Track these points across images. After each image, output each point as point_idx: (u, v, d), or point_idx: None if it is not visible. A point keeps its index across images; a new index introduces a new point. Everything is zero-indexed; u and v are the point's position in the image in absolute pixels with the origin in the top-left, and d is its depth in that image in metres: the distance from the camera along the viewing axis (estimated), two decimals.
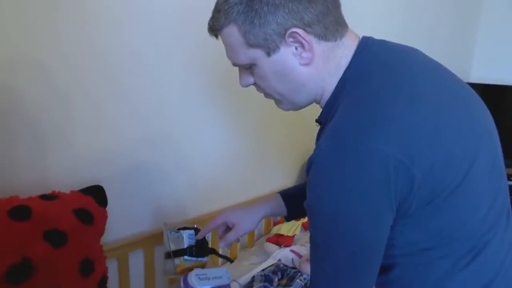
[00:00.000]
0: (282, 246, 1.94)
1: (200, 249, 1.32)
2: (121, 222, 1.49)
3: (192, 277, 1.20)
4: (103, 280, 1.28)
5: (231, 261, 1.45)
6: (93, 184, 1.33)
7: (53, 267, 1.11)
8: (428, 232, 0.83)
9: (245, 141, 1.89)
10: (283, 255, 1.83)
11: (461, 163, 0.79)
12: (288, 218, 1.26)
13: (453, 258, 0.84)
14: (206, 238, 1.35)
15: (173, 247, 1.30)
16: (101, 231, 1.31)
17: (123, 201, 1.49)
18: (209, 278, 1.23)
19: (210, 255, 1.37)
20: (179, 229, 1.35)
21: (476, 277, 0.85)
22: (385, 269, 0.90)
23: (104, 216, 1.31)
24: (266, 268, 1.71)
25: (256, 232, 2.08)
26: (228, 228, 1.24)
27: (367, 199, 0.75)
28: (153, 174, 1.57)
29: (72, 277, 1.16)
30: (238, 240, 1.26)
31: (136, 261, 1.57)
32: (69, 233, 1.16)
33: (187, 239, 1.32)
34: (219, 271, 1.27)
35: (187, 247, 1.30)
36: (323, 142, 0.78)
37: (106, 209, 1.32)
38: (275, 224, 2.13)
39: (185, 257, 1.29)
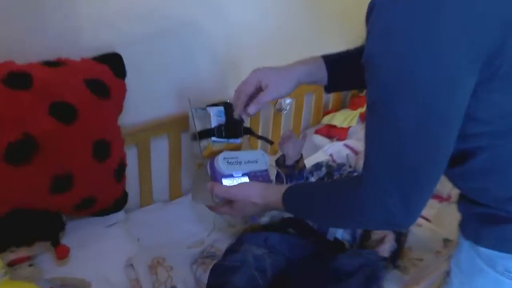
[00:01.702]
0: (334, 139, 1.93)
1: (232, 128, 1.30)
2: (142, 101, 1.47)
3: (219, 161, 1.18)
4: (121, 167, 1.32)
5: (271, 142, 1.43)
6: (107, 51, 1.31)
7: (60, 147, 1.14)
8: None
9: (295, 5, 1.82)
10: (336, 149, 1.81)
11: None
12: (328, 88, 1.24)
13: None
14: (241, 116, 1.34)
15: (198, 127, 1.29)
16: (118, 108, 1.32)
17: (145, 73, 1.46)
18: (240, 163, 1.22)
19: (245, 137, 1.35)
20: (207, 106, 1.34)
21: None
22: (464, 156, 0.88)
23: (122, 89, 1.31)
24: (314, 164, 1.68)
25: (302, 122, 2.08)
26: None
27: (441, 51, 0.73)
28: (182, 36, 1.51)
29: (84, 160, 1.19)
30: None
31: (159, 149, 1.57)
32: (80, 107, 1.16)
33: (214, 117, 1.30)
34: (254, 154, 1.26)
35: (214, 127, 1.28)
36: None
37: (125, 81, 1.31)
38: (325, 113, 2.13)
39: (213, 138, 1.28)
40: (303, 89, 1.93)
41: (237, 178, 1.20)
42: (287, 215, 1.37)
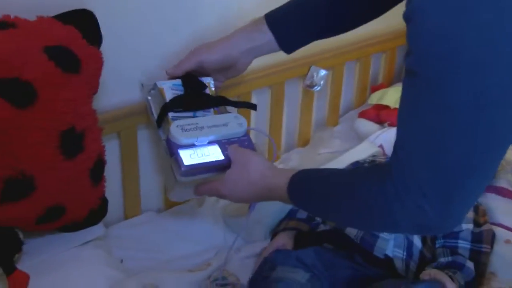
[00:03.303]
0: (385, 124, 1.92)
1: (194, 98, 1.33)
2: (125, 76, 1.46)
3: (171, 130, 1.22)
4: (98, 166, 1.31)
5: (254, 106, 1.46)
6: (73, 7, 1.28)
7: (15, 139, 1.14)
8: None
9: None
10: (388, 138, 1.79)
11: None
12: (284, 49, 1.35)
13: None
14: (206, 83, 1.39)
15: (156, 112, 1.34)
16: (93, 85, 1.30)
17: (129, 37, 1.45)
18: (201, 128, 1.25)
19: (223, 108, 1.39)
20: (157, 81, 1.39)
21: None
22: None
23: (97, 60, 1.29)
24: (353, 163, 1.68)
25: (341, 103, 2.09)
26: None
27: None
28: None
29: (48, 156, 1.17)
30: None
31: (150, 140, 1.58)
32: (40, 85, 1.15)
33: (169, 90, 1.34)
34: (221, 118, 1.30)
35: (170, 100, 1.32)
36: None
37: (100, 49, 1.29)
38: (374, 89, 2.11)
39: (170, 114, 1.31)
40: (343, 57, 1.94)
41: (201, 148, 1.22)
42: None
